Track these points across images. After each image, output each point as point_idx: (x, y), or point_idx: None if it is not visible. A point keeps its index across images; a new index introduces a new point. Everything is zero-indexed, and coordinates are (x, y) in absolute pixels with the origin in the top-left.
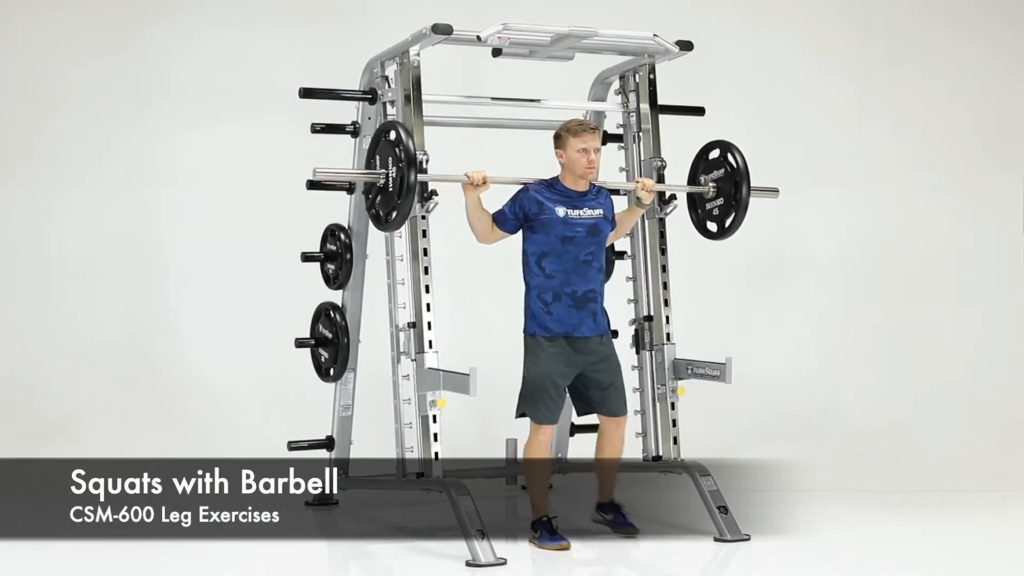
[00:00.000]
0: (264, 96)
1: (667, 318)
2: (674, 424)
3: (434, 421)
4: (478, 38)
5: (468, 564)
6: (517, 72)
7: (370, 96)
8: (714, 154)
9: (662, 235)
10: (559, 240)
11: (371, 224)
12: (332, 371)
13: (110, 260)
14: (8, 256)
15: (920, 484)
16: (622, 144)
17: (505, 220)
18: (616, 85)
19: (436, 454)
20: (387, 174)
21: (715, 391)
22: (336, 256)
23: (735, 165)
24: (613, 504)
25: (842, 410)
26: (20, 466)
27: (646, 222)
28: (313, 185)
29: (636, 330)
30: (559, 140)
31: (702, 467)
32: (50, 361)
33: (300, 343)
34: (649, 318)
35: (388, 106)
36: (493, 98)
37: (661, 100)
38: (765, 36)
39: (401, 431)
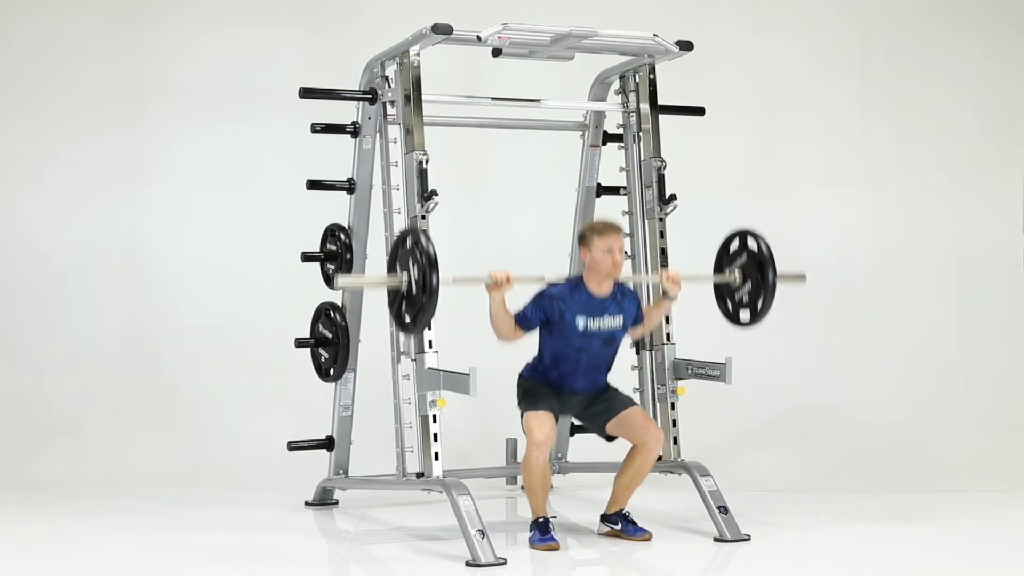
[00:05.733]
0: (264, 96)
1: (667, 318)
2: (674, 424)
3: (434, 421)
4: (478, 38)
5: (468, 564)
6: (517, 72)
7: (370, 96)
8: (735, 245)
9: (662, 235)
10: (574, 349)
11: (370, 224)
12: (332, 371)
13: (110, 260)
14: (9, 256)
15: (920, 484)
16: (622, 144)
17: (528, 322)
18: (616, 85)
19: (436, 454)
20: (409, 278)
21: (715, 391)
22: (336, 256)
23: (756, 248)
24: (620, 513)
25: (842, 410)
26: (21, 466)
27: (646, 222)
28: (313, 185)
29: None
30: (584, 240)
31: (702, 467)
32: (51, 361)
33: (300, 343)
34: None
35: (388, 106)
36: (493, 98)
37: (661, 100)
38: (765, 36)
39: (401, 431)
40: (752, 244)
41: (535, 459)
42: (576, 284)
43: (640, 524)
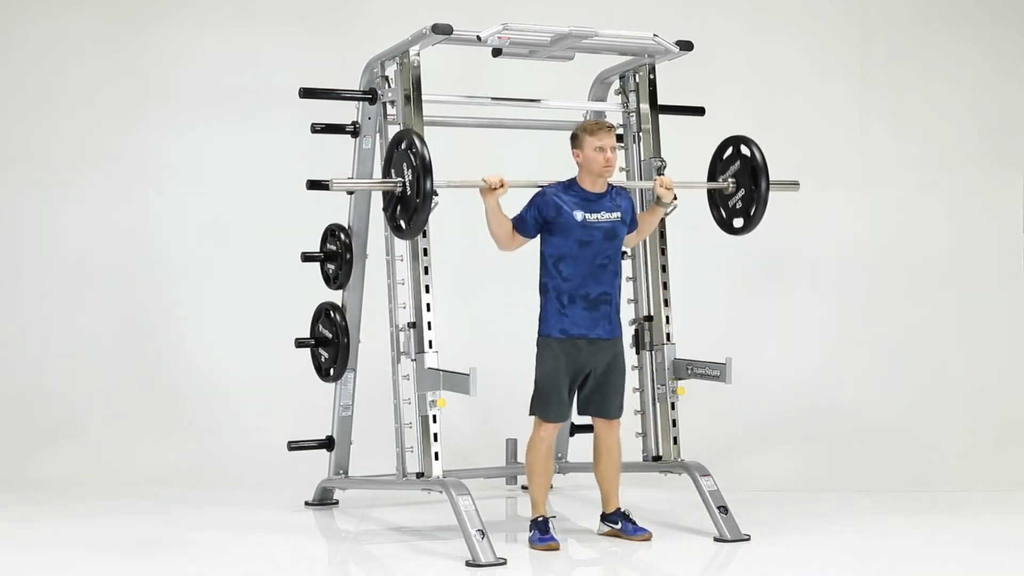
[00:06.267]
0: (264, 96)
1: (667, 318)
2: (674, 424)
3: (434, 421)
4: (478, 38)
5: (468, 564)
6: (517, 72)
7: (370, 96)
8: (728, 152)
9: (662, 235)
10: (577, 244)
11: (370, 224)
12: (332, 371)
13: (111, 260)
14: (9, 256)
15: (920, 484)
16: (622, 144)
17: (525, 225)
18: (616, 85)
19: (436, 454)
20: (404, 182)
21: (715, 391)
22: (336, 256)
23: (749, 154)
24: (619, 512)
25: (842, 410)
26: (21, 466)
27: None
28: (313, 185)
29: (636, 330)
30: (576, 140)
31: (702, 467)
32: (51, 361)
33: (300, 343)
34: (649, 318)
35: (388, 106)
36: (493, 98)
37: (661, 100)
38: (765, 36)
39: (401, 431)
40: (745, 150)
41: (541, 438)
42: (570, 184)
43: (640, 524)
